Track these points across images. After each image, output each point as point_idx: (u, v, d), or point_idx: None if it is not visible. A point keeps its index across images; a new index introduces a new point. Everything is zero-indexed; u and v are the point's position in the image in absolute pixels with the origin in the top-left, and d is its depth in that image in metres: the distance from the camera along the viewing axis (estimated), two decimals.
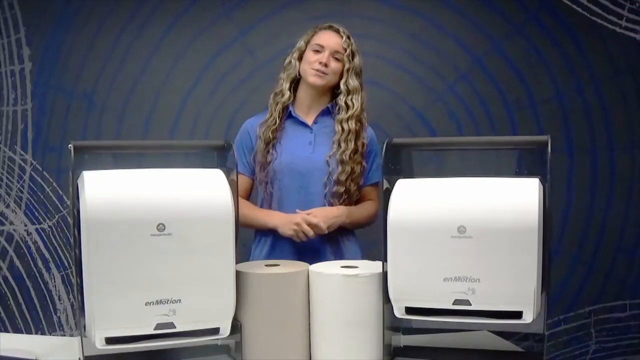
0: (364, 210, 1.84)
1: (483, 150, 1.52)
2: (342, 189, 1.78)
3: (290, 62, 1.84)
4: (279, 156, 1.80)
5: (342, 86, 1.79)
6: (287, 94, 1.82)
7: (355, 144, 1.79)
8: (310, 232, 1.72)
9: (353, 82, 1.79)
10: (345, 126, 1.78)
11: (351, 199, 1.82)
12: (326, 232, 1.74)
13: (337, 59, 1.79)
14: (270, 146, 1.80)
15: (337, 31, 1.81)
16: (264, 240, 1.84)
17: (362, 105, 1.80)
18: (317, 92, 1.82)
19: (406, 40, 2.51)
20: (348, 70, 1.79)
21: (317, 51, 1.79)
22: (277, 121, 1.80)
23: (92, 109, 2.50)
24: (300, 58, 1.83)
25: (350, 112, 1.78)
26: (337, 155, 1.78)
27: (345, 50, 1.79)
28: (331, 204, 1.79)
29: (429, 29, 2.50)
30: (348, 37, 1.81)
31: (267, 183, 1.81)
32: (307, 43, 1.82)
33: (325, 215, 1.75)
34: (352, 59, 1.80)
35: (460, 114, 2.50)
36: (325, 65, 1.78)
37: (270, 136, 1.80)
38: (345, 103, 1.79)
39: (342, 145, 1.78)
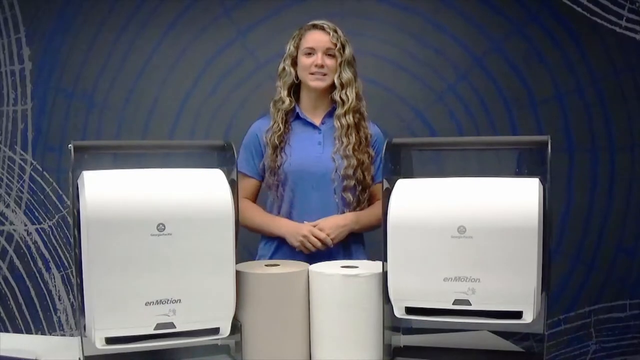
0: (374, 212, 1.81)
1: (483, 150, 1.52)
2: (352, 182, 1.78)
3: (284, 69, 1.84)
4: (288, 158, 1.80)
5: (335, 80, 1.79)
6: (287, 100, 1.82)
7: (358, 136, 1.79)
8: (318, 244, 1.73)
9: (346, 75, 1.79)
10: (344, 121, 1.78)
11: (365, 188, 1.81)
12: (332, 246, 1.75)
13: (330, 55, 1.79)
14: (278, 151, 1.80)
15: (323, 28, 1.80)
16: (271, 241, 1.84)
17: (357, 95, 1.80)
18: (320, 93, 1.82)
19: (406, 40, 2.51)
20: (341, 63, 1.79)
21: (310, 54, 1.79)
22: (282, 127, 1.80)
23: (92, 109, 2.50)
24: (293, 63, 1.83)
25: (346, 106, 1.78)
26: (341, 151, 1.78)
27: (336, 45, 1.79)
28: (344, 199, 1.79)
29: (429, 29, 2.50)
30: (335, 31, 1.80)
31: (278, 186, 1.81)
32: (296, 47, 1.82)
33: (333, 226, 1.75)
34: (343, 51, 1.79)
35: (460, 114, 2.50)
36: (322, 66, 1.78)
37: (277, 142, 1.80)
38: (340, 98, 1.79)
39: (344, 140, 1.78)
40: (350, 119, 1.78)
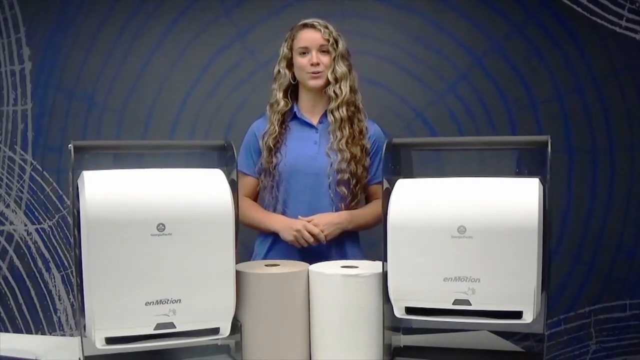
0: (369, 211, 1.83)
1: (483, 150, 1.52)
2: (346, 176, 1.78)
3: (279, 71, 1.84)
4: (283, 158, 1.80)
5: (329, 76, 1.79)
6: (282, 102, 1.82)
7: (351, 129, 1.79)
8: (311, 239, 1.73)
9: (340, 69, 1.79)
10: (337, 115, 1.79)
11: (360, 182, 1.81)
12: (324, 242, 1.75)
13: (325, 52, 1.79)
14: (273, 152, 1.80)
15: (313, 26, 1.80)
16: (266, 239, 1.85)
17: (351, 89, 1.80)
18: (317, 91, 1.82)
19: (406, 40, 2.51)
20: (335, 58, 1.79)
21: (304, 53, 1.80)
22: (277, 129, 1.81)
23: (92, 109, 2.50)
24: (288, 65, 1.83)
25: (339, 100, 1.78)
26: (335, 145, 1.79)
27: (328, 41, 1.79)
28: (338, 194, 1.79)
29: (429, 29, 2.50)
30: (326, 27, 1.80)
31: (273, 187, 1.81)
32: (290, 49, 1.83)
33: (327, 222, 1.76)
34: (337, 46, 1.80)
35: (460, 114, 2.50)
36: (317, 64, 1.78)
37: (272, 144, 1.80)
38: (334, 92, 1.79)
39: (338, 134, 1.79)
40: (343, 112, 1.79)
